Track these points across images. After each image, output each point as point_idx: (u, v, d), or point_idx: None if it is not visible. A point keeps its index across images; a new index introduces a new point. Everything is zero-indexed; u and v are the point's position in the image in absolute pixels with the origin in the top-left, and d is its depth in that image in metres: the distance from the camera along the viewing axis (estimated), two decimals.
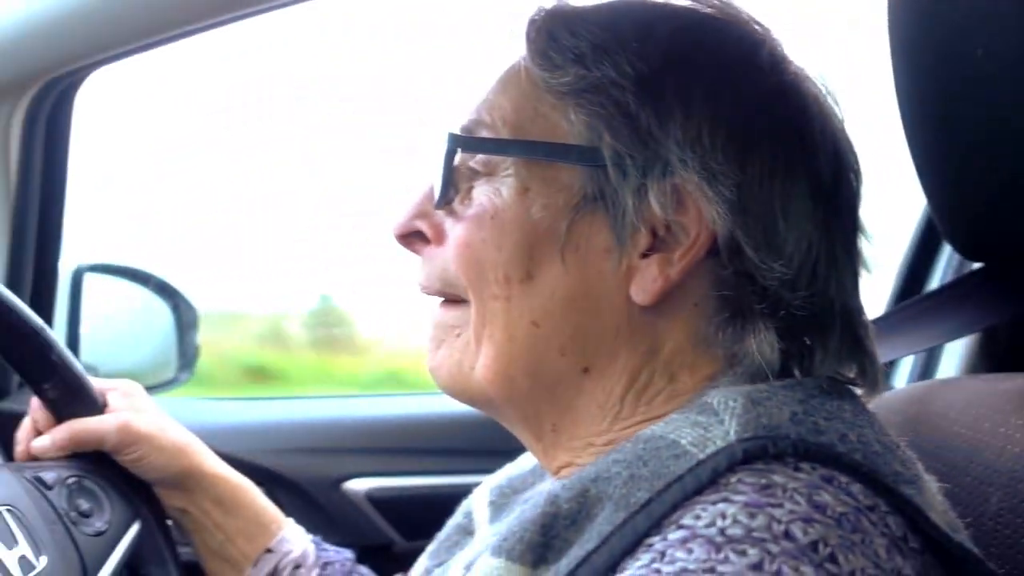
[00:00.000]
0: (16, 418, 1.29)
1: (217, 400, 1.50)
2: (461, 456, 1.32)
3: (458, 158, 0.64)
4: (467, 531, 0.80)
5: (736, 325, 0.60)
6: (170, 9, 1.11)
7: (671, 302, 0.61)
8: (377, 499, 1.30)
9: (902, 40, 0.82)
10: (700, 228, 0.59)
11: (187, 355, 1.68)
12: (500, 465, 0.88)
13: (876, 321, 0.68)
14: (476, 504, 0.81)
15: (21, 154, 1.24)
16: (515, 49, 0.66)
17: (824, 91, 0.65)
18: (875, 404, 0.63)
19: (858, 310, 0.64)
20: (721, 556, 0.47)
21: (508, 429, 0.69)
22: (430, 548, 0.82)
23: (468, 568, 0.71)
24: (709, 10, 0.65)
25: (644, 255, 0.60)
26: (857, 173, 0.65)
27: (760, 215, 0.59)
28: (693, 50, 0.62)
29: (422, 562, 0.82)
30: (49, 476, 0.84)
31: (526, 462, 0.81)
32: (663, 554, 0.48)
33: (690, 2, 0.65)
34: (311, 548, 0.98)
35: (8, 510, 0.74)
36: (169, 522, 0.96)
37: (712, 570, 0.46)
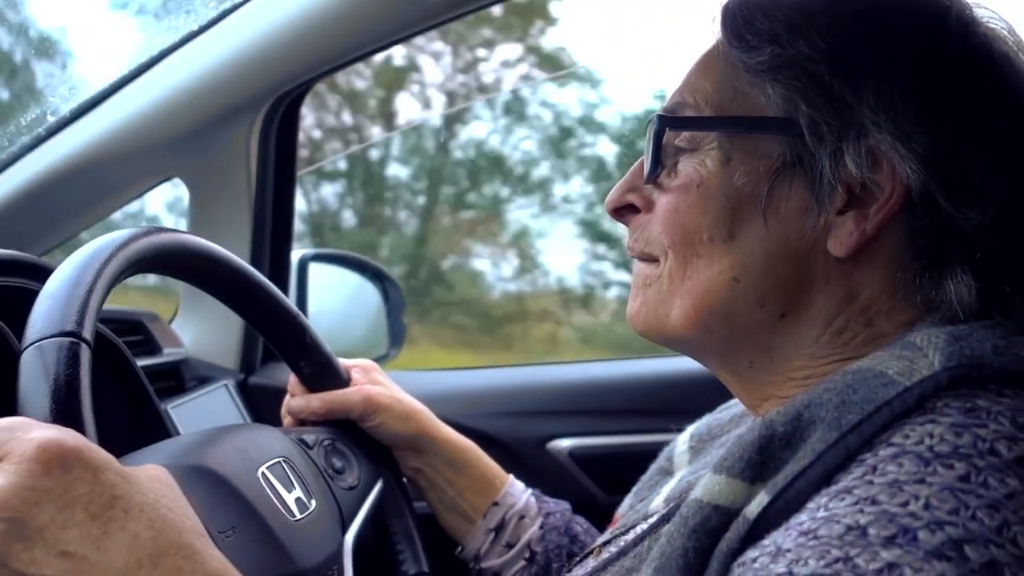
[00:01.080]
0: (262, 389, 1.49)
1: (436, 371, 1.63)
2: (652, 416, 1.39)
3: (665, 137, 0.71)
4: (667, 472, 0.88)
5: (933, 272, 0.64)
6: (368, 28, 1.24)
7: (867, 254, 0.66)
8: (579, 456, 1.39)
9: None
10: (894, 184, 0.64)
11: (397, 333, 1.84)
12: (684, 423, 0.95)
13: None
14: (677, 449, 0.89)
15: (258, 160, 1.41)
16: (710, 35, 0.73)
17: (1016, 50, 0.67)
18: None
19: None
20: (930, 469, 0.51)
21: (705, 365, 0.76)
22: (635, 488, 0.91)
23: (668, 500, 0.80)
24: None
25: (840, 212, 0.66)
26: None
27: (953, 168, 0.63)
28: (881, 21, 0.66)
29: (627, 501, 0.91)
30: (309, 438, 0.96)
31: (724, 412, 0.89)
32: (875, 468, 0.53)
33: None
34: (532, 500, 1.08)
35: (284, 461, 0.87)
36: (405, 481, 1.09)
37: (922, 481, 0.51)
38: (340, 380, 1.05)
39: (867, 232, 0.65)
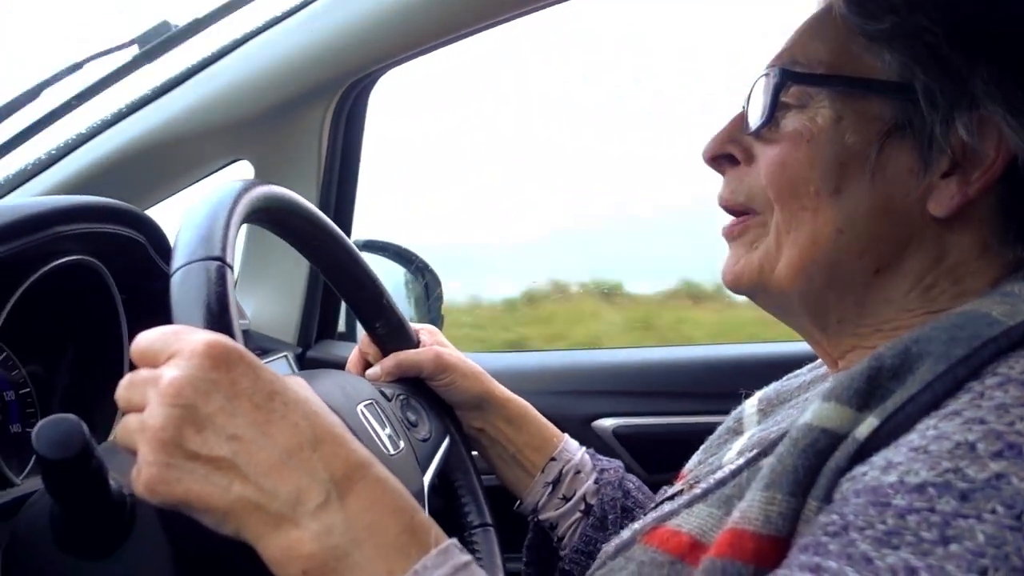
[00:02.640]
0: (319, 363, 1.56)
1: (485, 353, 1.70)
2: (691, 398, 1.45)
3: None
4: (736, 432, 0.93)
5: (1021, 237, 0.70)
6: (447, 16, 1.32)
7: (963, 216, 0.71)
8: (622, 435, 1.46)
9: None
10: (999, 152, 0.70)
11: (435, 322, 1.92)
12: (725, 406, 1.00)
13: None
14: (746, 411, 0.94)
15: (329, 144, 1.49)
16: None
17: None
18: None
19: None
20: None
21: (791, 326, 0.81)
22: (703, 447, 0.96)
23: (741, 453, 0.85)
24: None
25: (944, 176, 0.71)
26: None
27: None
28: (998, 1, 0.73)
29: (694, 458, 0.96)
30: (387, 391, 1.03)
31: (793, 380, 0.94)
32: (982, 394, 0.58)
33: None
34: (587, 457, 1.14)
35: (376, 402, 0.94)
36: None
37: None
38: (411, 341, 1.12)
39: (969, 195, 0.70)
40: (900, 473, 0.56)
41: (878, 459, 0.59)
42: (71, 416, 0.63)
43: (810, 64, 0.76)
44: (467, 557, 0.61)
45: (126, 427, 0.62)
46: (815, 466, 0.61)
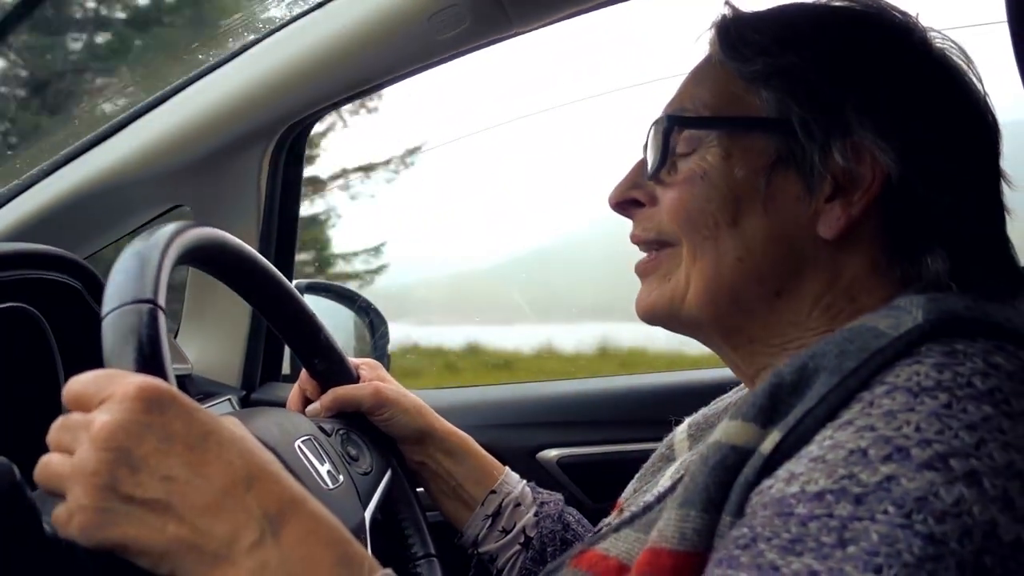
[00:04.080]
0: (264, 404, 1.55)
1: (430, 390, 1.71)
2: (633, 426, 1.47)
3: (672, 137, 0.80)
4: (668, 459, 0.96)
5: (909, 251, 0.75)
6: (376, 62, 1.34)
7: (852, 237, 0.76)
8: (566, 465, 1.48)
9: None
10: (875, 173, 0.74)
11: (381, 360, 1.92)
12: (664, 432, 1.01)
13: None
14: (677, 437, 0.97)
15: (267, 187, 1.50)
16: (699, 50, 0.84)
17: (965, 63, 0.80)
18: None
19: (1007, 239, 0.78)
20: (918, 400, 0.59)
21: (709, 347, 0.85)
22: (637, 475, 0.99)
23: (673, 477, 0.88)
24: (861, 6, 0.81)
25: (828, 200, 0.75)
26: (996, 129, 0.79)
27: (924, 157, 0.74)
28: (859, 36, 0.78)
29: (629, 488, 0.99)
30: (327, 426, 1.04)
31: (720, 403, 0.97)
32: (872, 403, 0.61)
33: (842, 2, 0.82)
34: (527, 490, 1.15)
35: (314, 438, 0.95)
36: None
37: (911, 409, 0.59)
38: (350, 376, 1.13)
39: (852, 215, 0.75)
40: (801, 483, 0.59)
41: (782, 472, 0.62)
42: (1, 458, 0.63)
43: (696, 109, 0.81)
44: None
45: (50, 468, 0.62)
46: (726, 482, 0.64)
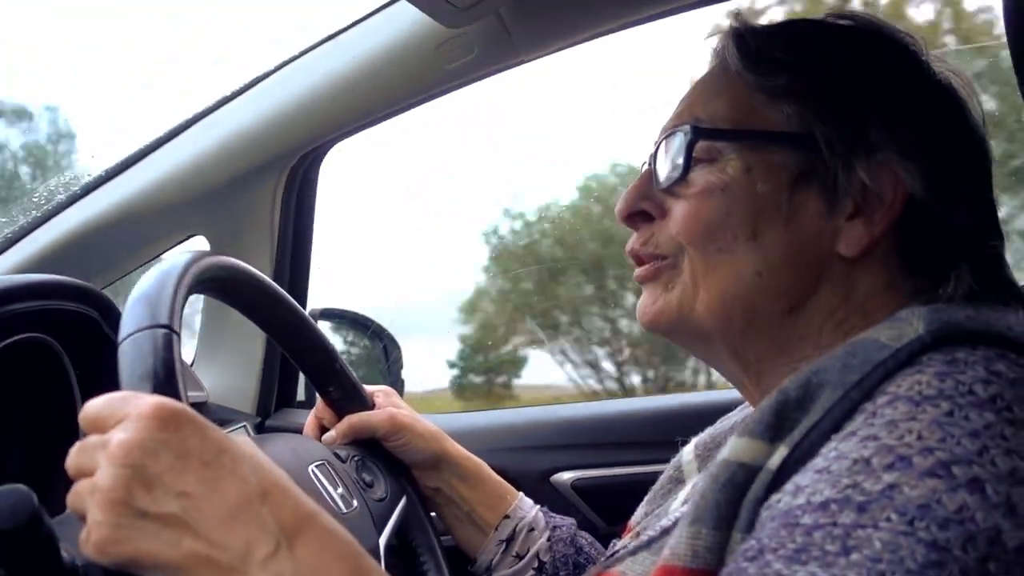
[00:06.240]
0: (279, 431, 1.57)
1: (444, 415, 1.72)
2: (649, 447, 1.47)
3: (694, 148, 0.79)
4: (678, 480, 0.96)
5: (930, 268, 0.75)
6: (389, 92, 1.37)
7: (867, 254, 0.76)
8: (580, 488, 1.47)
9: None
10: (896, 192, 0.75)
11: (395, 386, 1.93)
12: (677, 453, 1.01)
13: None
14: (684, 459, 0.97)
15: (281, 216, 1.52)
16: (710, 61, 0.84)
17: (965, 84, 0.80)
18: None
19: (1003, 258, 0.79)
20: (920, 409, 0.60)
21: (713, 366, 0.85)
22: (646, 498, 0.98)
23: (686, 501, 0.87)
24: (871, 26, 0.82)
25: (849, 218, 0.76)
26: (987, 146, 0.81)
27: (944, 176, 0.75)
28: (877, 54, 0.79)
29: (640, 510, 0.98)
30: (342, 453, 1.05)
31: (725, 423, 0.97)
32: (874, 413, 0.62)
33: (853, 22, 0.82)
34: (540, 515, 1.15)
35: (328, 463, 0.96)
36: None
37: (913, 418, 0.60)
38: (365, 403, 1.14)
39: (874, 234, 0.75)
40: (807, 495, 0.60)
41: (789, 485, 0.62)
42: (20, 486, 0.64)
43: (713, 121, 0.80)
44: None
45: (77, 492, 0.63)
46: (735, 499, 0.64)
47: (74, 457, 0.64)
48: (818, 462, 0.62)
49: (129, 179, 1.50)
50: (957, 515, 0.55)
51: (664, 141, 0.83)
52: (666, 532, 0.79)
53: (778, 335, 0.79)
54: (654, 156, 0.84)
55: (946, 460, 0.57)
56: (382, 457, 1.12)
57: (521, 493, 1.18)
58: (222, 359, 1.62)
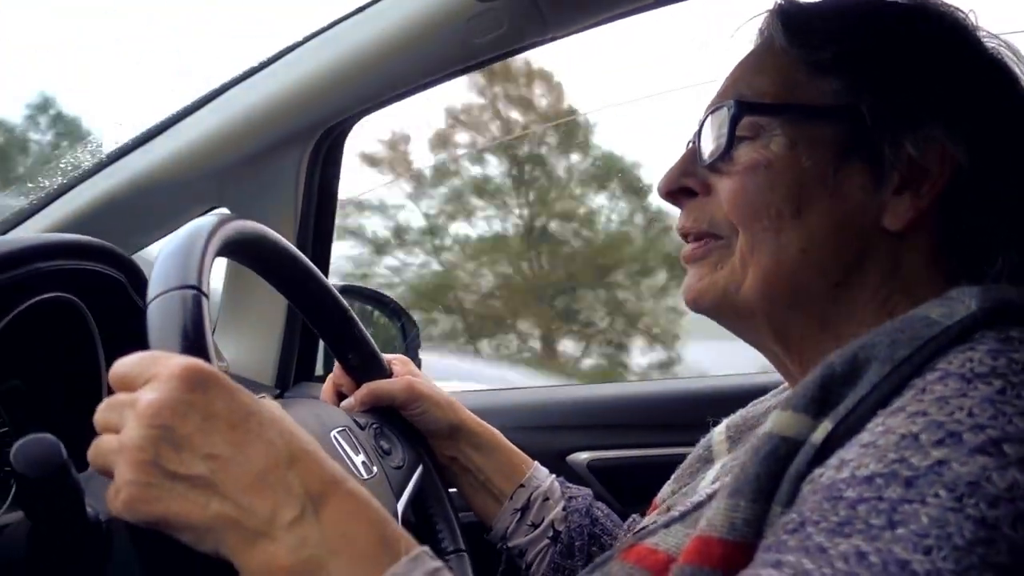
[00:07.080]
0: None
1: (461, 392, 1.73)
2: (663, 430, 1.48)
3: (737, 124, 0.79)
4: (707, 460, 0.95)
5: (977, 244, 0.74)
6: (414, 66, 1.36)
7: (915, 230, 0.75)
8: (596, 468, 1.49)
9: None
10: (944, 166, 0.74)
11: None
12: (696, 436, 1.02)
13: None
14: (715, 439, 0.97)
15: (304, 189, 1.53)
16: (754, 40, 0.83)
17: (1016, 61, 0.80)
18: None
19: None
20: (972, 386, 0.59)
21: (753, 344, 0.84)
22: (674, 476, 0.98)
23: (716, 479, 0.87)
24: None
25: (896, 192, 0.75)
26: None
27: (993, 149, 0.74)
28: (923, 28, 0.78)
29: (666, 488, 0.98)
30: (361, 420, 1.06)
31: (759, 406, 0.96)
32: (924, 389, 0.61)
33: None
34: (556, 484, 1.16)
35: (350, 429, 0.96)
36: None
37: (964, 395, 0.59)
38: (383, 371, 1.15)
39: (921, 208, 0.74)
40: (851, 468, 0.59)
41: (833, 459, 0.62)
42: (49, 436, 0.65)
43: (757, 96, 0.80)
44: (438, 563, 0.63)
45: (100, 448, 0.64)
46: (776, 472, 0.64)
47: (102, 413, 0.65)
48: (864, 436, 0.61)
49: (154, 148, 1.50)
50: (1008, 493, 0.54)
51: (708, 118, 0.83)
52: (699, 506, 0.79)
53: (822, 312, 0.78)
54: (698, 134, 0.84)
55: (997, 438, 0.56)
56: (399, 425, 1.13)
57: (536, 463, 1.18)
58: (242, 330, 1.62)
